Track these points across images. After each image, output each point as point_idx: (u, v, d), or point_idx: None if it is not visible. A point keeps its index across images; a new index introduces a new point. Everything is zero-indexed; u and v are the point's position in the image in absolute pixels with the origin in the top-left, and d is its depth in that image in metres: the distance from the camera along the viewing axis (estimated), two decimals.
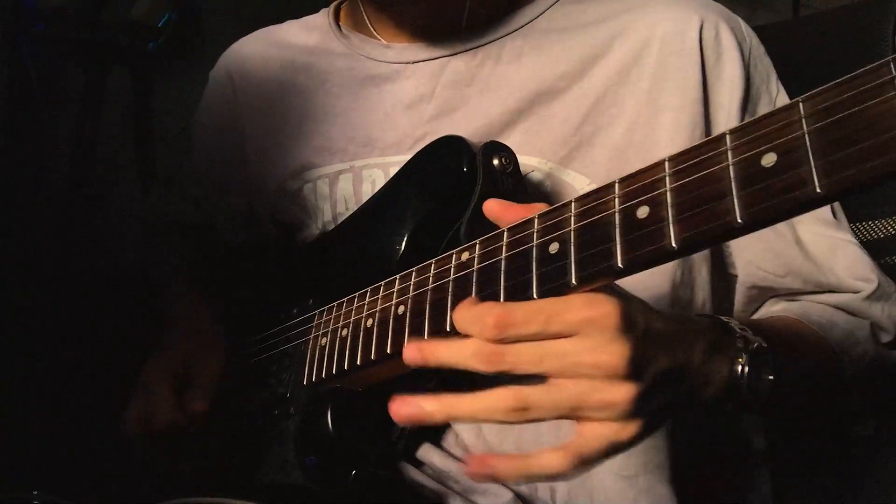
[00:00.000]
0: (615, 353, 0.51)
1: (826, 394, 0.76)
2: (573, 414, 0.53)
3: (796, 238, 0.78)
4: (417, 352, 0.55)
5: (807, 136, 0.38)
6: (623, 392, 0.52)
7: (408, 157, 0.83)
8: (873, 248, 0.93)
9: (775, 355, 0.61)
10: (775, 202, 0.39)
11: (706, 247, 0.44)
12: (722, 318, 0.63)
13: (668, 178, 0.45)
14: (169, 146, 1.43)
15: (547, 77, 0.81)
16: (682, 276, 0.79)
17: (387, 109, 0.87)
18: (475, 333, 0.53)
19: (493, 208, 0.61)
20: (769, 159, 0.40)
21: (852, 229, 0.95)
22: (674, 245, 0.44)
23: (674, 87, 0.78)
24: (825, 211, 0.79)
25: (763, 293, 0.81)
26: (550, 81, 0.81)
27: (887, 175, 0.35)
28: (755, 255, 0.79)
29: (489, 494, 0.78)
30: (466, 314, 0.54)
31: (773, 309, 0.81)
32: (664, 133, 0.78)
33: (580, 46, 0.81)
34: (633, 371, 0.51)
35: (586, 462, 0.53)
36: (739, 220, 0.41)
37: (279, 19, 1.04)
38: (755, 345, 0.60)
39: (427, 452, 0.79)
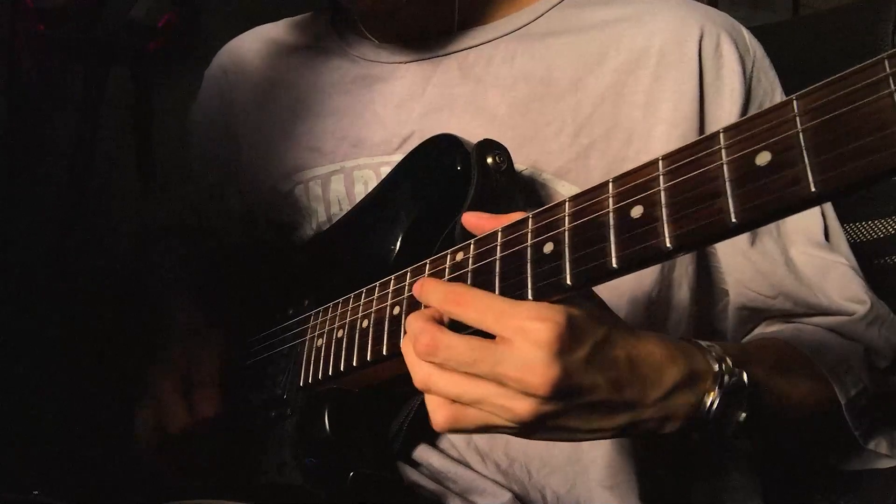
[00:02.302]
0: (542, 374, 0.50)
1: (816, 421, 0.74)
2: (472, 405, 0.53)
3: (787, 259, 0.76)
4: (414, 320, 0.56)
5: (801, 134, 0.38)
6: (528, 407, 0.51)
7: (396, 156, 0.83)
8: (873, 248, 0.93)
9: (753, 391, 0.60)
10: (770, 201, 0.39)
11: (701, 246, 0.44)
12: (704, 344, 0.61)
13: (661, 177, 0.45)
14: (169, 146, 1.43)
15: (540, 81, 0.81)
16: (658, 292, 0.78)
17: (377, 109, 0.87)
18: (409, 349, 0.55)
19: (470, 221, 0.62)
20: (763, 158, 0.40)
21: (852, 229, 0.95)
22: (668, 245, 0.44)
23: (669, 99, 0.77)
24: (818, 233, 0.77)
25: (754, 314, 0.79)
26: (543, 87, 0.80)
27: (881, 173, 0.35)
28: (744, 275, 0.78)
29: (487, 495, 0.78)
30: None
31: (767, 330, 0.79)
32: (657, 146, 0.77)
33: (576, 52, 0.80)
34: (553, 395, 0.51)
35: (457, 429, 0.55)
36: (734, 220, 0.41)
37: (279, 19, 1.04)
38: (733, 380, 0.59)
39: (425, 453, 0.79)
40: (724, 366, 0.60)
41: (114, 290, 1.16)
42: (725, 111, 0.77)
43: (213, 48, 1.06)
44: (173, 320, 0.93)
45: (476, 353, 0.52)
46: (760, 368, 0.65)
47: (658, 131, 0.77)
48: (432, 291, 0.56)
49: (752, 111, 0.77)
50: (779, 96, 0.80)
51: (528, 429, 0.54)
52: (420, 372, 0.55)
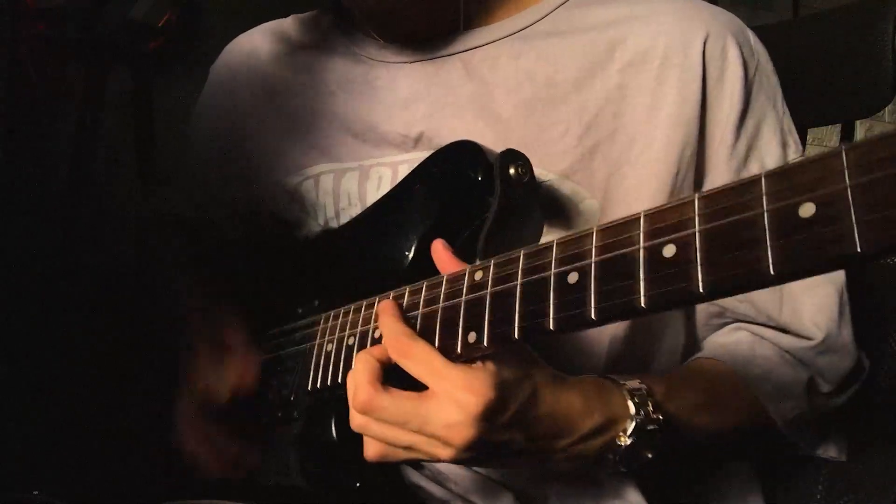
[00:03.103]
0: (462, 436, 0.57)
1: (750, 438, 0.79)
2: (406, 449, 0.61)
3: None
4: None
5: (849, 190, 0.37)
6: (450, 454, 0.58)
7: (412, 154, 0.83)
8: None
9: (665, 435, 0.65)
10: (811, 256, 0.38)
11: (734, 293, 0.43)
12: (629, 388, 0.66)
13: (697, 218, 0.44)
14: (169, 146, 1.43)
15: (544, 82, 0.80)
16: None
17: (384, 108, 0.87)
18: (350, 395, 0.61)
19: (439, 252, 0.66)
20: (807, 210, 0.38)
21: None
22: (701, 290, 0.42)
23: (673, 101, 0.77)
24: None
25: (722, 313, 0.82)
26: (548, 87, 0.80)
27: None
28: None
29: (489, 496, 0.78)
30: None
31: (726, 339, 0.82)
32: (658, 148, 0.77)
33: (581, 52, 0.80)
34: (471, 448, 0.58)
35: (387, 462, 0.62)
36: (773, 272, 0.39)
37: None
38: (648, 426, 0.64)
39: None
40: (643, 410, 0.64)
41: (114, 289, 1.16)
42: (724, 115, 0.77)
43: (214, 48, 1.05)
44: (187, 307, 0.93)
45: (405, 416, 0.58)
46: (686, 403, 0.70)
47: (660, 133, 0.76)
48: (384, 327, 0.63)
49: (751, 118, 0.78)
50: (780, 104, 0.80)
51: (451, 463, 0.61)
52: (356, 418, 0.62)
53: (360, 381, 0.61)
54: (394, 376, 0.62)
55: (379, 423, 0.60)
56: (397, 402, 0.59)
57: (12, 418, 0.96)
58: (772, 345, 0.79)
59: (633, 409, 0.64)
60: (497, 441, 0.58)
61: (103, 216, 1.32)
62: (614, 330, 0.80)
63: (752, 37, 0.81)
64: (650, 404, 0.65)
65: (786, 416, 0.76)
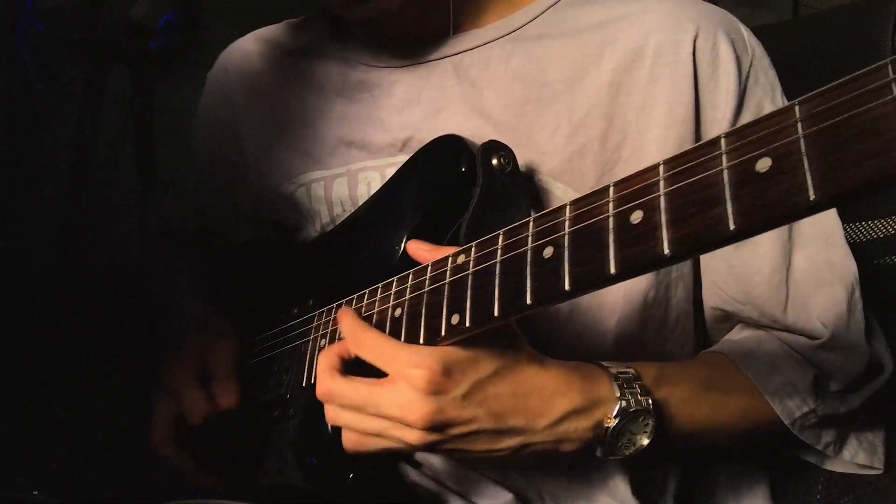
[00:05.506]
0: (416, 412, 0.58)
1: (762, 436, 0.77)
2: (373, 435, 0.63)
3: (779, 264, 0.75)
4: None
5: (802, 140, 0.37)
6: (416, 436, 0.60)
7: (399, 158, 0.83)
8: (873, 248, 0.93)
9: (659, 416, 0.65)
10: (769, 208, 0.38)
11: (699, 252, 0.43)
12: (614, 371, 0.65)
13: (661, 183, 0.44)
14: (169, 146, 1.43)
15: (535, 83, 0.80)
16: (655, 295, 0.78)
17: (380, 114, 0.87)
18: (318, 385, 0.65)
19: (416, 251, 0.68)
20: (764, 164, 0.39)
21: (852, 229, 0.95)
22: (666, 251, 0.43)
23: (664, 101, 0.75)
24: (837, 233, 0.76)
25: (727, 316, 0.80)
26: (539, 88, 0.80)
27: (881, 180, 0.34)
28: (719, 276, 0.78)
29: (488, 495, 0.78)
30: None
31: (735, 337, 0.80)
32: (652, 149, 0.76)
33: (571, 53, 0.79)
34: (431, 428, 0.59)
35: (362, 452, 0.64)
36: (732, 227, 0.40)
37: (280, 21, 1.04)
38: (634, 408, 0.64)
39: (425, 453, 0.79)
40: (628, 393, 0.64)
41: (114, 289, 1.16)
42: (720, 113, 0.76)
43: (214, 48, 1.05)
44: (184, 314, 0.93)
45: (362, 399, 0.61)
46: (680, 391, 0.69)
47: (653, 134, 0.76)
48: (343, 325, 0.66)
49: (747, 112, 0.77)
50: (779, 96, 0.79)
51: (424, 450, 0.63)
52: (326, 410, 0.65)
53: (319, 373, 0.64)
54: (360, 373, 0.64)
55: (344, 410, 0.63)
56: (354, 386, 0.62)
57: (12, 418, 0.96)
58: (778, 341, 0.77)
59: (617, 392, 0.63)
60: (455, 418, 0.59)
61: (103, 216, 1.32)
62: (620, 324, 0.79)
63: (745, 31, 0.79)
64: (637, 387, 0.64)
65: (793, 413, 0.73)
